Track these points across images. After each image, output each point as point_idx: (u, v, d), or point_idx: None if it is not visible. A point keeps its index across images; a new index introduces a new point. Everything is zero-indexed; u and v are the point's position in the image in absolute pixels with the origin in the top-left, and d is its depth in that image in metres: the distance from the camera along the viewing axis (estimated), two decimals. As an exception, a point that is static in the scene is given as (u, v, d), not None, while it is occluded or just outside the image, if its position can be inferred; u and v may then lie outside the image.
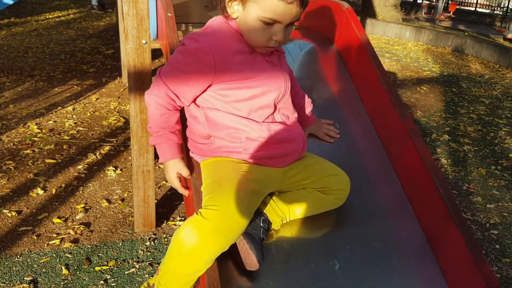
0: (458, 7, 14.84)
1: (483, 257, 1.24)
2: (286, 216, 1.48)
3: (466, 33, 8.14)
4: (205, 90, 1.42)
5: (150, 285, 1.39)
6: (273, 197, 1.50)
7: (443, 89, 5.75)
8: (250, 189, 1.34)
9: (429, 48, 7.95)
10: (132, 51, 2.20)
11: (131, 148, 2.46)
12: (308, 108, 1.69)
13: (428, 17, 13.56)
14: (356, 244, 1.39)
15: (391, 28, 8.68)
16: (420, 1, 15.38)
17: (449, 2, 14.94)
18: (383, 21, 9.15)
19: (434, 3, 14.72)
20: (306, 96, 1.68)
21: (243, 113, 1.40)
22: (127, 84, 4.95)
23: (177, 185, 1.50)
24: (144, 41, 2.20)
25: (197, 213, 1.25)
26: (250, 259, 1.31)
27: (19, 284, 2.25)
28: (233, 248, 1.32)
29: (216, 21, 1.45)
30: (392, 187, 1.56)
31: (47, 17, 8.91)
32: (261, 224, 1.40)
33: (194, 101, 1.45)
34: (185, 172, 1.48)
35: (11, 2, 4.56)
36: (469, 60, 7.25)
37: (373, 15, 9.75)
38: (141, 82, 2.27)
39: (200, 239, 1.20)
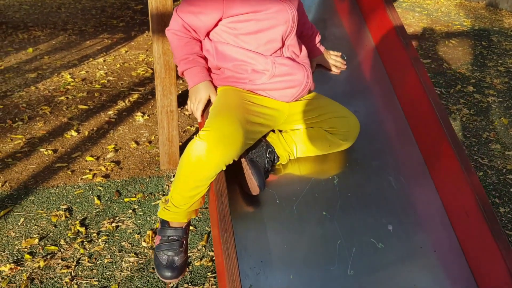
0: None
1: (471, 170, 1.32)
2: (293, 151, 1.57)
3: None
4: (216, 24, 1.52)
5: (166, 200, 1.53)
6: (282, 133, 1.60)
7: (473, 42, 5.64)
8: (248, 116, 1.42)
9: (462, 2, 7.71)
10: (155, -7, 2.30)
11: (155, 89, 2.60)
12: (317, 38, 1.77)
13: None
14: (360, 184, 1.48)
15: (423, -18, 8.40)
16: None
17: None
18: (415, -25, 8.87)
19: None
20: (314, 27, 1.75)
21: (251, 47, 1.50)
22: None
23: (201, 108, 1.57)
24: (166, -17, 2.29)
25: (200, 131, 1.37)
26: (252, 184, 1.41)
27: (56, 211, 2.47)
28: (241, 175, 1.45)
29: None
30: (395, 113, 1.65)
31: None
32: (267, 155, 1.50)
33: (207, 35, 1.56)
34: (213, 94, 1.55)
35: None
36: (502, 15, 7.02)
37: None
38: (163, 24, 2.38)
39: (205, 152, 1.30)
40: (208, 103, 1.57)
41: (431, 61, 4.98)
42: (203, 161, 1.30)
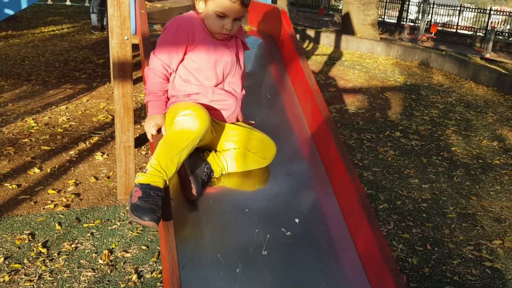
0: (440, 28, 15.67)
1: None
2: (225, 167, 1.99)
3: (444, 52, 8.78)
4: (183, 59, 1.95)
5: (146, 169, 1.72)
6: (215, 152, 2.02)
7: (404, 95, 6.35)
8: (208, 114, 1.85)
9: (398, 61, 8.59)
10: (116, 45, 2.74)
11: (115, 127, 2.97)
12: None
13: (411, 38, 14.34)
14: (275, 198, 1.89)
15: (364, 44, 9.32)
16: (403, 23, 16.20)
17: (431, 23, 15.78)
18: (357, 37, 9.81)
19: (416, 25, 15.54)
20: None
21: (197, 82, 1.94)
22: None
23: (153, 132, 1.97)
24: (126, 37, 2.74)
25: (176, 119, 1.75)
26: (191, 190, 1.81)
27: (19, 235, 2.74)
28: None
29: (189, 12, 2.02)
30: (304, 136, 2.10)
31: (42, 30, 9.46)
32: (205, 169, 1.92)
33: (177, 69, 1.99)
34: (162, 124, 1.97)
35: (11, 13, 5.09)
36: (433, 72, 7.88)
37: (352, 33, 10.40)
38: (123, 71, 2.81)
39: (192, 127, 1.69)
40: (159, 131, 1.98)
41: (365, 111, 5.59)
42: (192, 129, 1.69)
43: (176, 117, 1.77)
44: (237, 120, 2.05)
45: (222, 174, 1.98)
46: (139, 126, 4.49)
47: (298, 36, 10.56)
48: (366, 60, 8.61)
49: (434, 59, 8.19)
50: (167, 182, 1.70)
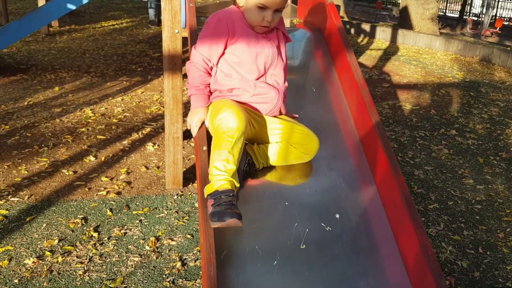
0: (505, 23, 14.85)
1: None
2: (266, 161, 2.00)
3: (508, 48, 8.34)
4: (223, 54, 1.97)
5: (209, 181, 1.73)
6: (258, 145, 2.03)
7: (462, 92, 6.09)
8: (246, 113, 1.87)
9: (457, 57, 8.24)
10: (167, 38, 2.81)
11: (164, 118, 3.05)
12: None
13: (473, 33, 13.67)
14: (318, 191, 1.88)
15: (421, 39, 9.01)
16: (466, 17, 15.49)
17: (496, 18, 14.99)
18: (414, 31, 9.50)
19: (480, 19, 14.81)
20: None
21: (239, 75, 1.95)
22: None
23: (196, 127, 2.00)
24: (176, 31, 2.80)
25: (216, 120, 1.78)
26: None
27: (73, 219, 2.88)
28: None
29: (229, 7, 2.04)
30: (350, 131, 2.06)
31: (103, 25, 9.84)
32: (246, 161, 1.94)
33: (218, 63, 2.02)
34: (204, 118, 1.99)
35: (73, 8, 5.33)
36: (494, 69, 7.50)
37: (410, 28, 10.08)
38: (173, 63, 2.87)
39: (232, 126, 1.72)
40: (202, 123, 2.02)
41: (419, 107, 5.41)
42: (231, 127, 1.72)
43: (215, 120, 1.79)
44: (280, 114, 2.04)
45: (263, 167, 1.99)
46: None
47: (353, 30, 10.37)
48: (423, 55, 8.32)
49: (496, 55, 7.79)
50: (235, 182, 1.68)
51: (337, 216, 1.76)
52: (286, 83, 2.07)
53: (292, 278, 1.57)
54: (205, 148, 1.80)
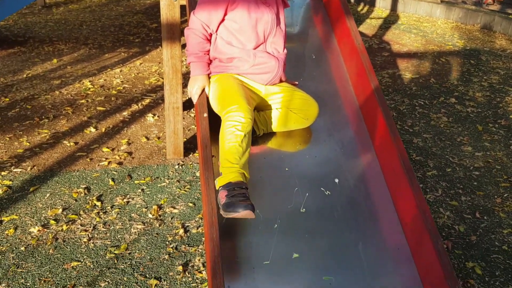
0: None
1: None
2: (267, 127, 2.01)
3: (510, 16, 8.23)
4: (223, 20, 1.96)
5: (220, 173, 1.76)
6: (258, 112, 2.04)
7: (462, 61, 6.05)
8: (247, 93, 1.88)
9: (458, 25, 8.15)
10: (165, 7, 2.78)
11: (164, 88, 3.05)
12: None
13: (475, 1, 13.46)
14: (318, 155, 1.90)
15: (422, 7, 8.89)
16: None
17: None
18: (415, 0, 9.36)
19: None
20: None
21: (239, 43, 1.95)
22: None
23: (197, 95, 2.01)
24: (174, -1, 2.77)
25: (224, 113, 1.79)
26: None
27: (76, 189, 2.91)
28: None
29: None
30: (349, 97, 2.07)
31: (99, -4, 9.69)
32: None
33: (217, 30, 2.01)
34: (207, 85, 2.00)
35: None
36: (495, 37, 7.44)
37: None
38: (171, 32, 2.85)
39: (241, 120, 1.74)
40: (203, 91, 2.03)
41: (419, 76, 5.40)
42: (240, 121, 1.74)
43: (224, 111, 1.80)
44: (280, 81, 2.05)
45: (264, 133, 2.01)
46: (187, 89, 4.58)
47: (352, -1, 10.23)
48: (423, 23, 8.23)
49: (498, 23, 7.71)
50: (246, 174, 1.69)
51: (336, 181, 1.79)
52: (286, 51, 2.07)
53: (292, 241, 1.61)
54: (205, 114, 1.82)
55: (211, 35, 1.99)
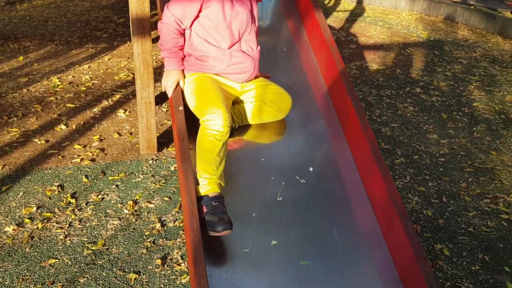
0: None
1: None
2: (241, 120, 2.06)
3: (472, 7, 8.48)
4: (197, 16, 1.98)
5: (198, 182, 1.80)
6: (234, 105, 2.08)
7: (426, 51, 6.23)
8: (224, 95, 1.92)
9: (422, 17, 8.36)
10: (134, 1, 2.77)
11: (136, 83, 3.05)
12: None
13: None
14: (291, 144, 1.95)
15: (387, -1, 9.06)
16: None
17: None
18: (380, -8, 9.53)
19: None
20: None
21: (215, 41, 1.97)
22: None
23: (172, 88, 2.03)
24: (144, -7, 2.76)
25: (204, 120, 1.82)
26: None
27: (50, 187, 2.89)
28: None
29: None
30: (320, 89, 2.13)
31: (63, -9, 9.49)
32: None
33: (191, 26, 2.02)
34: (182, 80, 2.02)
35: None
36: (458, 27, 7.67)
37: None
38: (142, 27, 2.85)
39: (219, 129, 1.76)
40: (177, 85, 2.05)
41: (386, 67, 5.53)
42: (219, 130, 1.77)
43: (203, 117, 1.82)
44: (255, 77, 2.09)
45: (239, 125, 2.05)
46: (159, 84, 4.57)
47: (319, -8, 10.33)
48: (388, 15, 8.40)
49: (460, 14, 7.94)
50: (222, 184, 1.75)
51: (311, 169, 1.86)
52: (259, 47, 2.11)
53: (270, 229, 1.67)
54: (181, 108, 1.84)
55: (184, 30, 2.01)
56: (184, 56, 2.05)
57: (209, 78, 1.98)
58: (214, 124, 1.78)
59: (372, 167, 1.73)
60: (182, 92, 1.99)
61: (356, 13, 8.55)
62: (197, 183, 1.75)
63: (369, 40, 6.73)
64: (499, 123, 4.14)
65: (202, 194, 1.74)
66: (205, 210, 1.71)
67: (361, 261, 1.65)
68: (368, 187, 1.78)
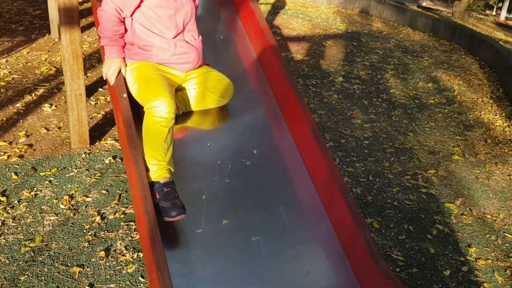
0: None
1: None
2: (185, 107, 2.10)
3: (383, 1, 9.01)
4: (138, 6, 1.97)
5: (148, 169, 1.81)
6: (178, 93, 2.11)
7: (345, 43, 6.56)
8: (167, 82, 1.93)
9: (339, 10, 8.76)
10: (62, -10, 2.69)
11: (64, 75, 2.96)
12: None
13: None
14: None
15: (306, -7, 9.36)
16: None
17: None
18: (299, -14, 9.83)
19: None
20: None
21: (158, 31, 1.99)
22: (56, 39, 5.31)
23: (114, 76, 2.01)
24: (72, -18, 2.69)
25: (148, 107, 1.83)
26: None
27: (-25, 186, 2.73)
28: None
29: None
30: (258, 75, 2.23)
31: (-34, -19, 8.79)
32: None
33: (132, 14, 2.01)
34: (124, 68, 2.01)
35: None
36: (372, 20, 8.13)
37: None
38: (70, 16, 2.77)
39: (164, 116, 1.77)
40: (119, 73, 2.04)
41: (309, 58, 5.76)
42: (164, 117, 1.78)
43: (148, 104, 1.84)
44: (199, 66, 2.13)
45: (183, 112, 2.09)
46: (85, 76, 4.42)
47: (240, -15, 10.43)
48: (308, 8, 8.71)
49: (373, 7, 8.43)
50: (171, 169, 1.78)
51: (255, 151, 1.94)
52: (200, 37, 2.15)
53: (221, 209, 1.73)
54: (125, 95, 1.84)
55: (124, 18, 2.01)
56: (125, 44, 2.04)
57: (151, 65, 2.00)
58: (159, 111, 1.81)
59: (312, 145, 1.85)
60: (125, 80, 1.98)
61: (277, 6, 8.77)
62: (147, 170, 1.77)
63: (292, 32, 6.95)
64: (414, 107, 4.50)
65: (153, 180, 1.76)
66: (158, 197, 1.74)
67: (306, 233, 1.77)
68: (308, 164, 1.90)
